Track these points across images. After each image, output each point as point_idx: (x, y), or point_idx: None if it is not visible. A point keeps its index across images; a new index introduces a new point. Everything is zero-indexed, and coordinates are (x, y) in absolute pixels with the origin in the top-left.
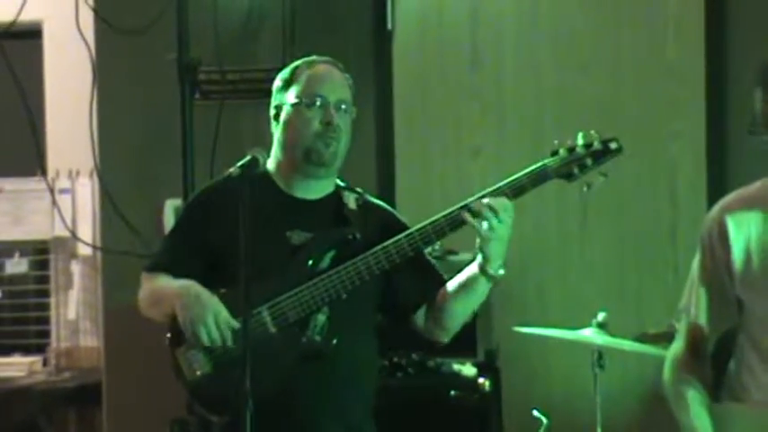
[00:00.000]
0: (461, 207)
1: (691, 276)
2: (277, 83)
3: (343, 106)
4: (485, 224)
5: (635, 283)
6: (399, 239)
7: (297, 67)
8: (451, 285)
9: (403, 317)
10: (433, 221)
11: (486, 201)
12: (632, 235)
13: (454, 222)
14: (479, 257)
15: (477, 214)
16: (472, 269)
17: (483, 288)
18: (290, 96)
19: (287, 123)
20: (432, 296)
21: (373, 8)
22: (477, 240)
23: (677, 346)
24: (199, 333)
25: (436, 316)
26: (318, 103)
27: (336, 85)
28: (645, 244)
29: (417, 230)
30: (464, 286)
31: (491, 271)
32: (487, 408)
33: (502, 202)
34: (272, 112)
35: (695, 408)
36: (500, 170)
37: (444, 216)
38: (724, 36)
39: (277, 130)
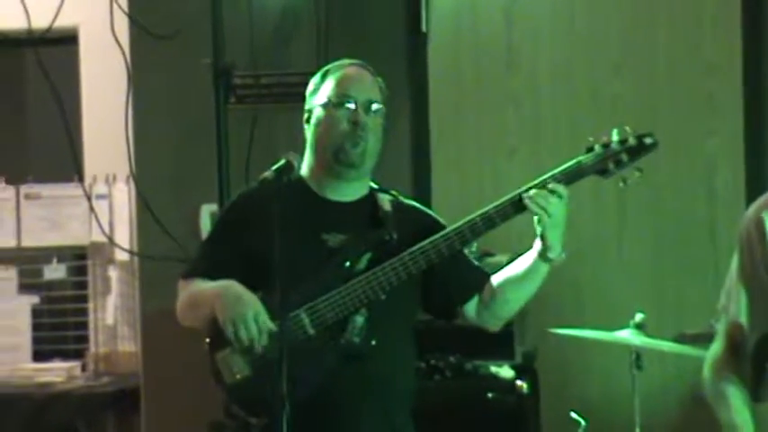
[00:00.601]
0: (496, 206)
1: (729, 276)
2: (309, 87)
3: (373, 107)
4: (545, 209)
5: (673, 282)
6: (436, 239)
7: (327, 71)
8: (508, 273)
9: (450, 311)
10: (470, 220)
11: (544, 187)
12: (670, 234)
13: (491, 221)
14: (540, 245)
15: (534, 202)
16: (531, 256)
17: (542, 274)
18: (320, 98)
19: (317, 125)
20: (480, 287)
21: (408, 11)
22: (537, 228)
23: (717, 345)
24: (239, 332)
25: (489, 305)
26: (346, 104)
27: (366, 85)
28: (683, 243)
29: (454, 230)
30: (523, 273)
31: (553, 255)
32: (525, 410)
33: (558, 188)
34: (305, 115)
35: (736, 404)
36: (536, 170)
37: (480, 215)
38: (761, 32)
39: (309, 133)
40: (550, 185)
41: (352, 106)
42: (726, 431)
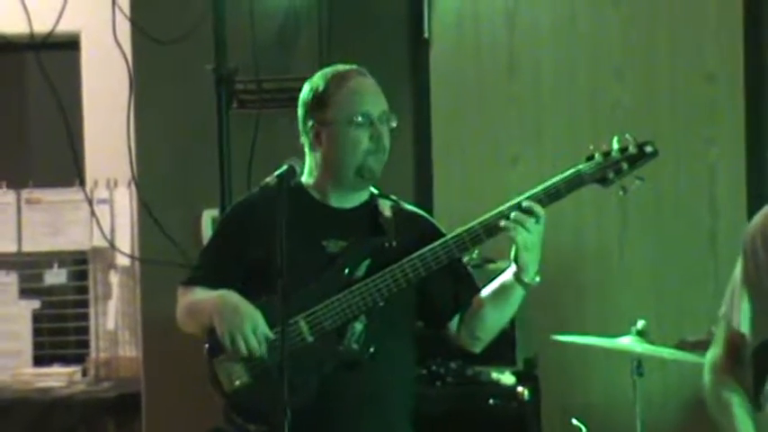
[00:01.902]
0: (496, 214)
1: (732, 283)
2: (307, 98)
3: (386, 118)
4: (518, 232)
5: (674, 290)
6: (435, 247)
7: (328, 84)
8: (485, 293)
9: (440, 324)
10: (469, 228)
11: (519, 209)
12: (671, 241)
13: (489, 229)
14: (514, 266)
15: (510, 222)
16: (506, 277)
17: (517, 296)
18: (331, 116)
19: (334, 143)
20: (465, 303)
21: (410, 16)
22: (512, 249)
23: (716, 351)
24: (237, 344)
25: (468, 325)
26: (365, 121)
27: (376, 97)
28: (684, 250)
29: (453, 238)
30: (498, 294)
31: (526, 279)
32: (526, 416)
33: (535, 210)
34: (310, 131)
35: (737, 412)
36: (538, 177)
37: (480, 223)
38: (762, 41)
39: (318, 150)
40: (525, 204)
41: (369, 122)
42: None
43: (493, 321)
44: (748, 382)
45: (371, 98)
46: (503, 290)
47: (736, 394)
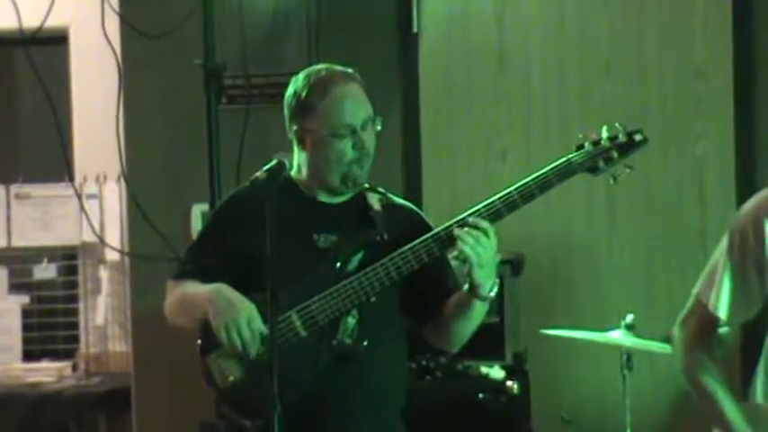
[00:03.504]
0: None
1: (711, 265)
2: (291, 102)
3: (370, 123)
4: (472, 250)
5: (663, 283)
6: (426, 239)
7: (311, 91)
8: (450, 306)
9: (422, 316)
10: (459, 220)
11: (465, 227)
12: (660, 235)
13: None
14: (468, 284)
15: (463, 242)
16: (463, 295)
17: (479, 309)
18: (314, 125)
19: (316, 152)
20: (437, 308)
21: (399, 11)
22: (465, 268)
23: (689, 329)
24: (232, 339)
25: (440, 329)
26: (348, 132)
27: (359, 104)
28: (673, 244)
29: (444, 229)
30: (460, 309)
31: (483, 294)
32: (516, 410)
33: (482, 228)
34: (295, 134)
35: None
36: (526, 171)
37: (470, 214)
38: (751, 35)
39: (303, 153)
40: (471, 221)
41: (352, 133)
42: (715, 423)
43: (459, 331)
44: (719, 358)
45: (354, 107)
46: (462, 306)
47: (714, 376)
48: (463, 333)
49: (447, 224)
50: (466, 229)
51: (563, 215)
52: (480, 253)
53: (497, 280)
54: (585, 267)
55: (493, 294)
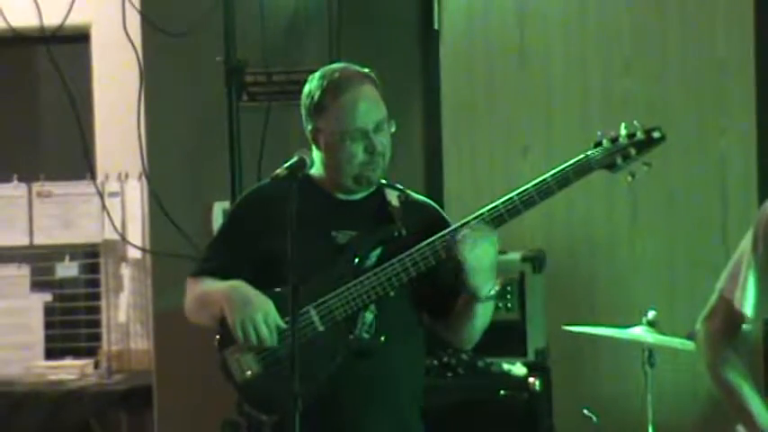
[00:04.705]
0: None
1: (736, 260)
2: (306, 101)
3: (384, 125)
4: (465, 255)
5: (685, 280)
6: (444, 235)
7: (324, 93)
8: (459, 304)
9: (438, 312)
10: (478, 216)
11: (463, 233)
12: (682, 231)
13: (500, 216)
14: (465, 287)
15: (457, 247)
16: (464, 300)
17: (482, 310)
18: (327, 126)
19: (329, 153)
20: (451, 305)
21: (420, 8)
22: (462, 274)
23: (713, 324)
24: (248, 334)
25: (452, 327)
26: (358, 136)
27: (371, 107)
28: (695, 240)
29: (462, 225)
30: (464, 308)
31: (481, 296)
32: (537, 407)
33: (480, 234)
34: (309, 133)
35: (747, 391)
36: (548, 168)
37: (489, 210)
38: None
39: (319, 151)
40: (471, 225)
41: (364, 136)
42: (741, 419)
43: (469, 329)
44: (750, 363)
45: (367, 110)
46: (467, 307)
47: (740, 373)
48: (471, 332)
49: (465, 220)
50: (464, 232)
51: (585, 212)
52: (478, 257)
53: (498, 281)
54: (607, 264)
55: (493, 294)
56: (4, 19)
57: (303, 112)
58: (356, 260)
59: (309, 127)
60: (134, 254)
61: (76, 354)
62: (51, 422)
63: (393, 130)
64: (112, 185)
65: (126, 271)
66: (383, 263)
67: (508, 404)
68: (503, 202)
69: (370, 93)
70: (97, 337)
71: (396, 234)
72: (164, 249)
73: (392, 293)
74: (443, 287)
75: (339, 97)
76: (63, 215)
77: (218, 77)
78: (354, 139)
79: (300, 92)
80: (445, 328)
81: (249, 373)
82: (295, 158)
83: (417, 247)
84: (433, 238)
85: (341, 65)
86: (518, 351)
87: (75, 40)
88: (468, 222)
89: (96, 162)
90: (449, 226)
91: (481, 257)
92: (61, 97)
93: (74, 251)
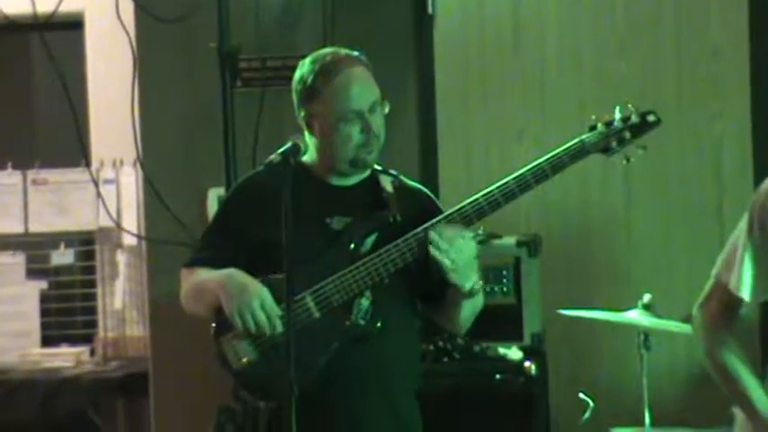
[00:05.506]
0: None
1: (731, 244)
2: (297, 87)
3: (378, 106)
4: (439, 256)
5: (681, 263)
6: (439, 222)
7: (316, 77)
8: (448, 295)
9: (430, 304)
10: (473, 201)
11: (438, 233)
12: (678, 215)
13: (496, 201)
14: (450, 285)
15: (437, 250)
16: (449, 294)
17: (472, 302)
18: (320, 111)
19: (324, 137)
20: (444, 290)
21: None
22: (441, 272)
23: (710, 309)
24: (245, 321)
25: (444, 312)
26: (354, 117)
27: (365, 88)
28: (690, 224)
29: (456, 211)
30: (453, 300)
31: (464, 292)
32: (534, 391)
33: (455, 234)
34: (302, 119)
35: (746, 377)
36: (543, 152)
37: (484, 195)
38: None
39: (313, 137)
40: (441, 225)
41: (359, 117)
42: (739, 403)
43: (459, 317)
44: (746, 347)
45: (361, 92)
46: (454, 299)
47: (739, 358)
48: (462, 320)
49: (458, 206)
50: (437, 232)
51: (580, 195)
52: (454, 257)
53: (480, 273)
54: (603, 247)
55: (477, 288)
56: None
57: (295, 98)
58: (352, 246)
59: (302, 113)
60: (129, 241)
61: (72, 341)
62: (47, 409)
63: (387, 110)
64: (107, 172)
65: (121, 258)
66: (378, 249)
67: (504, 388)
68: (498, 188)
69: (362, 74)
70: (93, 325)
71: (390, 220)
72: (159, 236)
73: (387, 280)
74: (435, 274)
75: (332, 80)
76: (58, 202)
77: (213, 63)
78: (350, 120)
79: None
80: (439, 315)
81: (245, 359)
82: (288, 144)
83: (413, 232)
84: (427, 224)
85: (330, 49)
86: (514, 335)
87: (68, 27)
88: (474, 202)
89: (91, 149)
90: (442, 213)
91: (458, 256)
92: (55, 85)
93: (69, 238)
